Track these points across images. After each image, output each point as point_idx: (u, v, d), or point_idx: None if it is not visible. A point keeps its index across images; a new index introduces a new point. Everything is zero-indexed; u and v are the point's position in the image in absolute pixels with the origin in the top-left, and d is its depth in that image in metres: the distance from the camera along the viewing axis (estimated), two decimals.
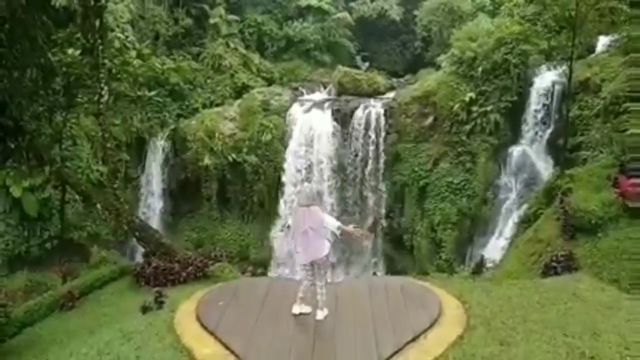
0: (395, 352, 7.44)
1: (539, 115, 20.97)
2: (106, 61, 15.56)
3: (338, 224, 8.08)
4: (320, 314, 8.29)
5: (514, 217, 19.21)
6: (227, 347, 7.75)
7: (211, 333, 8.20)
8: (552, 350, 7.36)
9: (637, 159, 11.59)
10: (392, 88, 27.60)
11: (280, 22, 32.53)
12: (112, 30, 21.67)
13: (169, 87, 25.79)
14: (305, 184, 8.94)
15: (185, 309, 9.30)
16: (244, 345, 7.74)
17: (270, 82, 29.44)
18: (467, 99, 21.94)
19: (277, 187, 25.05)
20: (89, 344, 8.37)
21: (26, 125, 13.09)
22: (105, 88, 15.30)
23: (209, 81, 27.62)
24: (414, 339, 7.75)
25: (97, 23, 14.54)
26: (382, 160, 24.46)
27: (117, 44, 20.92)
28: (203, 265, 14.04)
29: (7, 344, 10.78)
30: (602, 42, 20.82)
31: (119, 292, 13.62)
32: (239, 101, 26.79)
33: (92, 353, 8.01)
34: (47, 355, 8.52)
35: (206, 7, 29.40)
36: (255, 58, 29.89)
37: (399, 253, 24.64)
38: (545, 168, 20.13)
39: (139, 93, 21.18)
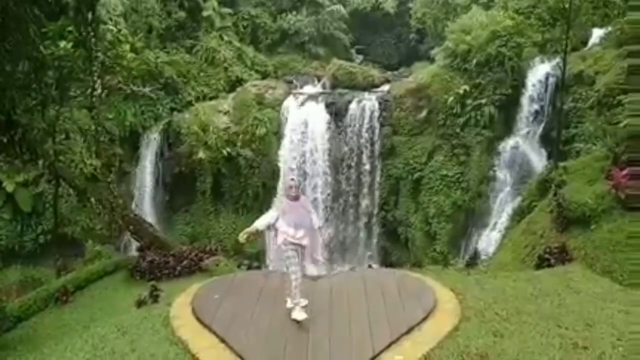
0: (390, 344, 7.48)
1: (533, 108, 21.03)
2: (99, 54, 15.48)
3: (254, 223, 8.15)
4: (294, 314, 8.06)
5: (508, 210, 19.30)
6: (222, 341, 7.77)
7: (207, 326, 8.21)
8: (546, 341, 7.41)
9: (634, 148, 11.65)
10: (386, 81, 27.60)
11: (274, 15, 32.37)
12: (105, 23, 21.48)
13: (162, 80, 25.65)
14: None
15: (181, 302, 9.30)
16: (240, 338, 7.76)
17: (264, 75, 29.37)
18: (461, 91, 21.98)
19: (271, 180, 25.02)
20: (84, 338, 8.36)
21: (19, 119, 13.01)
22: (98, 81, 15.25)
23: (202, 74, 27.49)
24: (408, 331, 7.79)
25: (90, 16, 14.46)
26: (376, 153, 24.48)
27: (109, 37, 20.73)
28: (198, 259, 14.08)
29: (2, 338, 10.78)
30: (596, 34, 20.87)
31: (114, 286, 13.63)
32: (233, 94, 26.72)
33: (87, 347, 8.00)
34: (42, 350, 8.50)
35: None
36: (249, 51, 29.78)
37: (394, 245, 24.74)
38: (539, 160, 20.20)
39: (133, 87, 21.05)
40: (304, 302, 8.53)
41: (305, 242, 8.12)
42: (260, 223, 8.11)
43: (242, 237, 8.15)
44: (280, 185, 24.46)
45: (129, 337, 8.14)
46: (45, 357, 8.07)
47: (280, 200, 8.29)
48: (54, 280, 14.45)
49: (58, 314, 12.01)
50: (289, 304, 8.46)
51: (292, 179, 8.44)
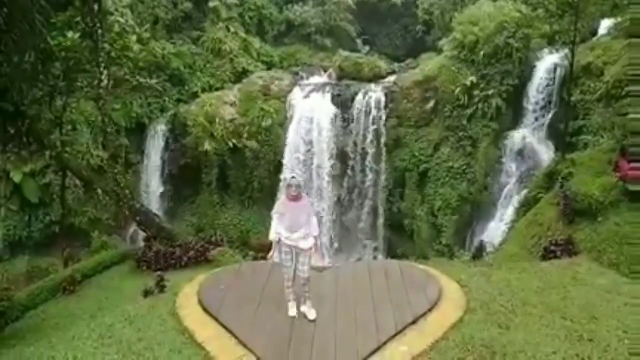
0: (395, 335, 7.51)
1: (541, 100, 20.87)
2: (105, 45, 15.50)
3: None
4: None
5: (514, 202, 19.22)
6: (228, 330, 7.83)
7: (213, 316, 8.28)
8: (551, 334, 7.42)
9: (638, 143, 11.57)
10: (393, 72, 27.44)
11: (280, 6, 32.23)
12: (111, 14, 21.49)
13: (168, 71, 25.66)
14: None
15: (187, 292, 9.37)
16: (246, 328, 7.81)
17: (270, 66, 29.27)
18: (468, 83, 21.81)
19: (277, 172, 25.02)
20: (91, 328, 8.44)
21: (26, 110, 13.06)
22: (105, 72, 15.27)
23: (208, 65, 27.44)
24: (413, 322, 7.82)
25: (96, 7, 14.48)
26: (382, 145, 24.40)
27: (116, 28, 20.76)
28: (204, 250, 14.16)
29: (10, 327, 10.88)
30: (605, 25, 20.66)
31: (120, 276, 13.73)
32: (239, 86, 26.67)
33: (94, 336, 8.08)
34: (49, 339, 8.58)
35: None
36: (256, 42, 29.67)
37: (399, 237, 24.73)
38: (546, 152, 20.09)
39: (139, 79, 21.05)
40: (309, 310, 8.25)
41: (302, 244, 7.87)
42: (273, 235, 7.96)
43: (271, 258, 8.07)
44: (282, 178, 24.42)
45: (136, 327, 8.22)
46: (53, 345, 8.14)
47: (280, 197, 8.12)
48: (61, 270, 14.56)
49: (65, 303, 12.11)
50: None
51: (293, 177, 8.01)
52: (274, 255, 8.04)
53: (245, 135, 24.53)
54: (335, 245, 24.89)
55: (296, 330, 7.76)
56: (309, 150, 24.66)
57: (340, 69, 27.19)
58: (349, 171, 24.94)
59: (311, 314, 8.03)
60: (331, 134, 24.38)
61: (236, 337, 7.63)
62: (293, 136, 24.79)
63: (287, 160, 24.76)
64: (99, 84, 15.30)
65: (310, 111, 24.72)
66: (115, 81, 19.24)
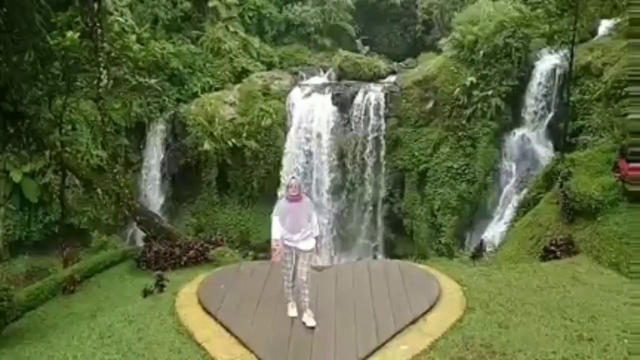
0: (395, 334, 7.52)
1: (540, 100, 20.87)
2: (105, 45, 15.48)
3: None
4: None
5: (514, 202, 19.23)
6: (228, 330, 7.83)
7: (212, 316, 8.28)
8: (551, 333, 7.43)
9: (637, 143, 11.58)
10: (392, 72, 27.41)
11: (280, 5, 32.21)
12: (111, 14, 21.47)
13: (168, 71, 25.62)
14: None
15: (187, 292, 9.38)
16: (245, 328, 7.82)
17: (270, 66, 29.24)
18: (467, 83, 21.80)
19: (277, 172, 25.01)
20: (90, 327, 8.45)
21: (26, 109, 13.05)
22: (105, 72, 15.25)
23: (208, 65, 27.39)
24: (413, 322, 7.83)
25: (96, 6, 14.47)
26: (381, 145, 24.37)
27: (116, 27, 20.74)
28: (204, 250, 14.16)
29: (10, 327, 10.87)
30: (604, 25, 20.68)
31: (120, 276, 13.73)
32: (238, 86, 26.64)
33: (94, 336, 8.09)
34: (49, 339, 8.59)
35: None
36: (255, 42, 29.64)
37: (399, 237, 24.72)
38: (545, 152, 20.09)
39: (139, 79, 21.04)
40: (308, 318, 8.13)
41: (301, 245, 7.85)
42: (275, 236, 7.90)
43: (276, 259, 7.96)
44: (285, 177, 24.38)
45: (136, 326, 8.23)
46: (52, 345, 8.15)
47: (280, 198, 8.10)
48: (60, 270, 14.56)
49: (65, 303, 12.11)
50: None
51: (293, 178, 8.05)
52: (278, 257, 8.00)
53: (244, 134, 24.52)
54: (335, 259, 24.79)
55: (296, 330, 7.77)
56: (308, 150, 24.65)
57: (340, 69, 27.18)
58: (348, 171, 24.91)
59: (310, 322, 7.94)
60: (331, 134, 24.33)
61: (236, 337, 7.64)
62: (293, 136, 24.78)
63: (285, 169, 24.70)
64: (99, 83, 15.27)
65: (310, 111, 24.68)
66: (115, 81, 19.19)
